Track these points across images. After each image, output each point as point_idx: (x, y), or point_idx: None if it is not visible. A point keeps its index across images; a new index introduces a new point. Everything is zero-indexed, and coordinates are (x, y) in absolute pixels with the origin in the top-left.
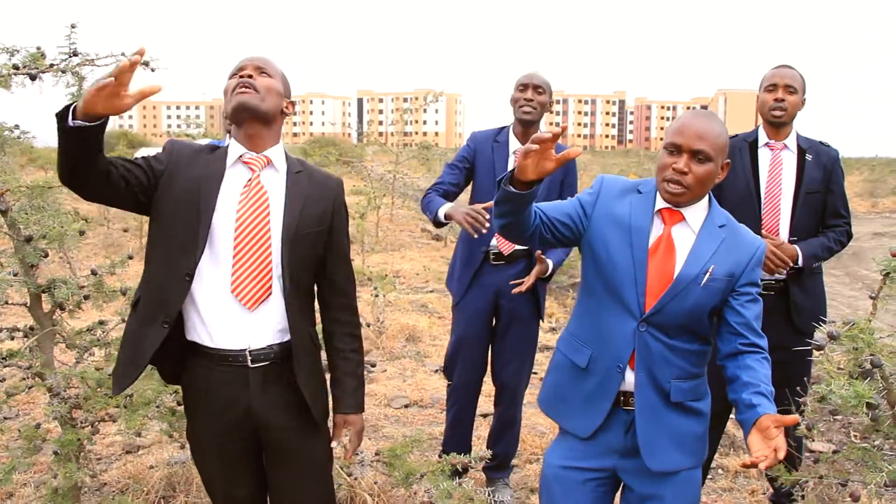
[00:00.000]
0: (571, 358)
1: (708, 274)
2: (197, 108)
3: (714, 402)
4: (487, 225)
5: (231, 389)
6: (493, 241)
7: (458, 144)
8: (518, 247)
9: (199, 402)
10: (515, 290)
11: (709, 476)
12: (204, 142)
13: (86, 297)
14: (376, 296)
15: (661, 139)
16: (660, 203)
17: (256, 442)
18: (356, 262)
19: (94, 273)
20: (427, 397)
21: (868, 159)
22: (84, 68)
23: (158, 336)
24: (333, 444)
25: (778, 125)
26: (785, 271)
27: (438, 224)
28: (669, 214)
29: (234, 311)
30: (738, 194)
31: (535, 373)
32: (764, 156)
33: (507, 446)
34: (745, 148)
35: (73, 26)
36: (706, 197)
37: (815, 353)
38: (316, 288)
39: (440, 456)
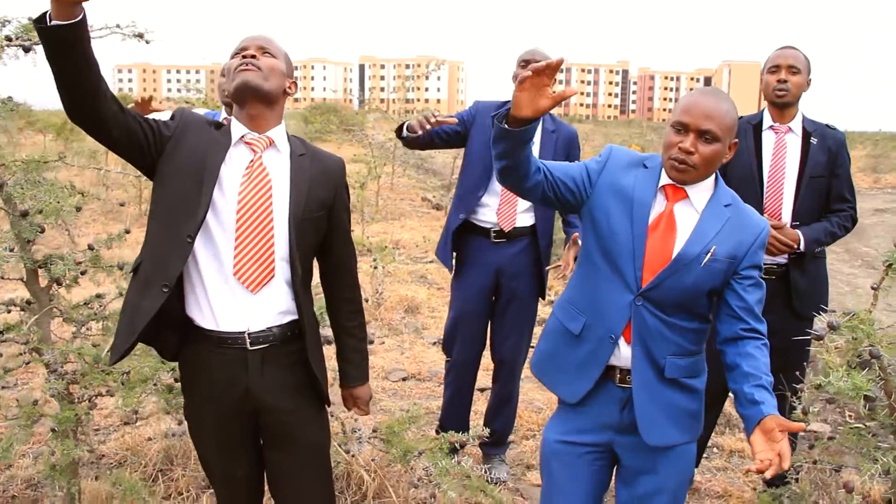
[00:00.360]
0: (566, 324)
1: (710, 254)
2: (197, 72)
3: (713, 382)
4: (434, 119)
5: (229, 371)
6: (494, 218)
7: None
8: (518, 224)
9: (197, 382)
10: (559, 275)
11: (704, 455)
12: (200, 112)
13: (83, 273)
14: (375, 268)
15: (664, 110)
16: (664, 179)
17: (254, 423)
18: (356, 232)
19: (91, 248)
20: (425, 370)
21: (871, 134)
22: None
23: (157, 300)
24: (343, 414)
25: (782, 106)
26: (786, 256)
27: (404, 141)
28: (673, 191)
29: (236, 294)
30: (741, 177)
31: (533, 346)
32: (768, 139)
33: (504, 422)
34: (749, 130)
35: None
36: (712, 175)
37: (815, 342)
38: (318, 265)
39: (437, 432)
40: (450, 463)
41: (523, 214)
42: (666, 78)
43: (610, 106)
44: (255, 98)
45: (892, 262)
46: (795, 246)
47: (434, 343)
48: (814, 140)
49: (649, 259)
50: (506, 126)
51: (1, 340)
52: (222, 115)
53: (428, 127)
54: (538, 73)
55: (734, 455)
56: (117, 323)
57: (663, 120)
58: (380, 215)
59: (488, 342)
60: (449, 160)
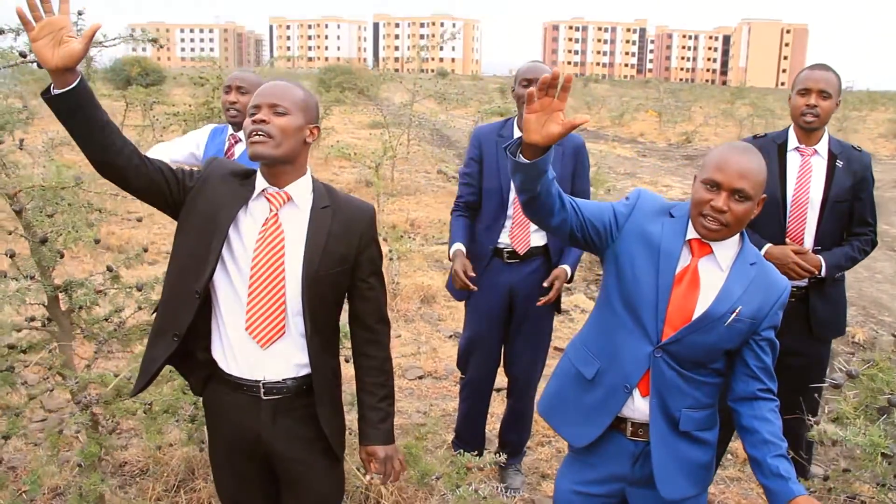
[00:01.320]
0: (578, 367)
1: (735, 314)
2: (211, 31)
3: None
4: (473, 288)
5: (243, 416)
6: (507, 240)
7: (476, 72)
8: (533, 244)
9: (216, 421)
10: (541, 303)
11: (718, 463)
12: (207, 129)
13: (102, 294)
14: (391, 259)
15: (682, 69)
16: (691, 233)
17: (269, 465)
18: (374, 205)
19: (109, 269)
20: (441, 368)
21: (894, 93)
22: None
23: (168, 348)
24: (367, 478)
25: (809, 130)
26: (807, 279)
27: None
28: (699, 246)
29: (250, 345)
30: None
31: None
32: (793, 160)
33: (519, 434)
34: (773, 150)
35: (79, 13)
36: (738, 233)
37: (832, 390)
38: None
39: (454, 443)
40: (467, 490)
41: (536, 234)
42: (684, 37)
43: (626, 65)
44: (270, 164)
45: None
46: (817, 272)
47: (451, 336)
48: (839, 163)
49: (671, 313)
50: (519, 159)
51: (25, 364)
52: (229, 131)
53: (469, 283)
54: (545, 88)
55: (748, 464)
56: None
57: (680, 80)
58: (395, 190)
59: (503, 359)
60: (468, 127)
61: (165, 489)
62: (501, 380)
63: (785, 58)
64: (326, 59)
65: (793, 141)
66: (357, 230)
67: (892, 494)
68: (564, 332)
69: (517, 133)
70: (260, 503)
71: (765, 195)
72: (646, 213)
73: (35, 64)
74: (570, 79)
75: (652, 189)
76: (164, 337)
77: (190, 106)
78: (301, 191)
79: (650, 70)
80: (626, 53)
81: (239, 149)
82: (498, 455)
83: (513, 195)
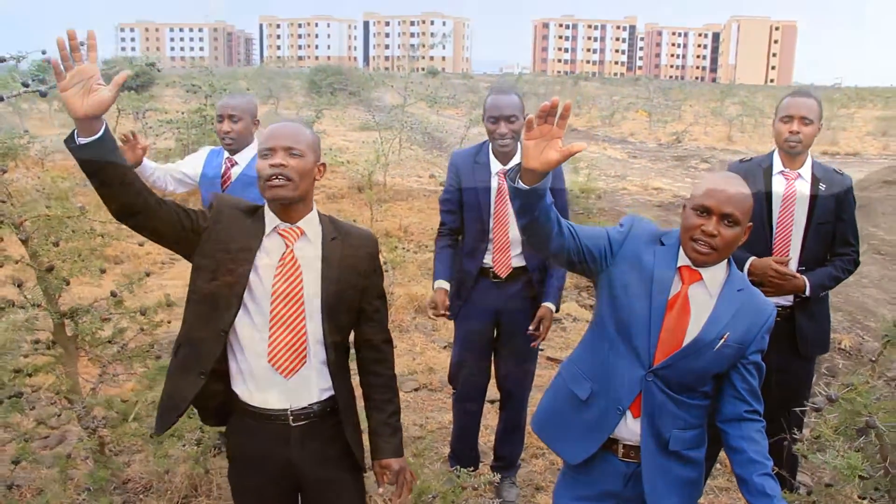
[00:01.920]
0: (572, 387)
1: (723, 340)
2: (200, 30)
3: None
4: (446, 316)
5: (272, 444)
6: (490, 262)
7: (466, 70)
8: (515, 265)
9: (242, 450)
10: (534, 345)
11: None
12: (204, 151)
13: (106, 320)
14: (386, 270)
15: (672, 66)
16: (682, 260)
17: (295, 491)
18: (365, 216)
19: (113, 295)
20: (436, 380)
21: (883, 90)
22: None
23: (195, 385)
24: (380, 490)
25: (793, 154)
26: (792, 298)
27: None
28: (689, 273)
29: (274, 376)
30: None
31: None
32: (778, 184)
33: (512, 447)
34: (759, 174)
35: (81, 44)
36: (726, 259)
37: (813, 414)
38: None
39: (450, 460)
40: None
41: (517, 257)
42: (674, 34)
43: (617, 63)
44: (287, 204)
45: (891, 338)
46: (801, 293)
47: (445, 347)
48: (822, 186)
49: (663, 338)
50: (518, 185)
51: (33, 389)
52: (225, 155)
53: (445, 313)
54: (544, 115)
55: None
56: (163, 389)
57: (670, 77)
58: (387, 195)
59: (494, 373)
60: (459, 130)
61: None
62: (496, 392)
63: (774, 55)
64: (317, 57)
65: (777, 165)
66: (364, 258)
67: None
68: (556, 340)
69: (493, 160)
70: None
71: (751, 223)
72: (639, 241)
73: (39, 94)
74: (569, 107)
75: (642, 192)
76: (188, 375)
77: (183, 113)
78: (311, 225)
79: (640, 68)
80: (616, 51)
81: (235, 171)
82: (493, 474)
83: (493, 222)
